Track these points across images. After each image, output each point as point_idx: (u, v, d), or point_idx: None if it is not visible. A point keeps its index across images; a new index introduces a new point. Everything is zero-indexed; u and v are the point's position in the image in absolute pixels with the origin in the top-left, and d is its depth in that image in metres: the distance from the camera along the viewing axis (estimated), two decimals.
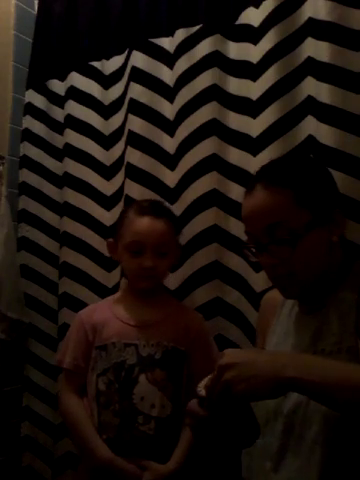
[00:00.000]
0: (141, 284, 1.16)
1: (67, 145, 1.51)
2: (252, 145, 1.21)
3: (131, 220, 1.14)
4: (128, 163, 1.36)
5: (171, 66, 1.35)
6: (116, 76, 1.47)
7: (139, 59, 1.37)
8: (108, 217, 1.44)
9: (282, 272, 0.81)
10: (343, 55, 1.09)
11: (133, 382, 1.08)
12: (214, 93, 1.27)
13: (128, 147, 1.37)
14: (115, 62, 1.48)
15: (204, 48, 1.28)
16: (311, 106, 1.12)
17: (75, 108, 1.50)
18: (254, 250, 0.85)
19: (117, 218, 1.25)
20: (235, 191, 1.23)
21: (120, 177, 1.43)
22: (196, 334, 1.15)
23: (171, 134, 1.33)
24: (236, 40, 1.27)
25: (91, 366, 1.13)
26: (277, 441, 0.79)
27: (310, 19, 1.13)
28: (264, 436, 0.77)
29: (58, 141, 1.57)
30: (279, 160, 0.90)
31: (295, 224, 0.78)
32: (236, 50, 1.27)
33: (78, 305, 1.38)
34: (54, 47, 1.58)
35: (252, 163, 1.19)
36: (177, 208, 1.29)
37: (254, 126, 1.21)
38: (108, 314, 1.17)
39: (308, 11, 1.14)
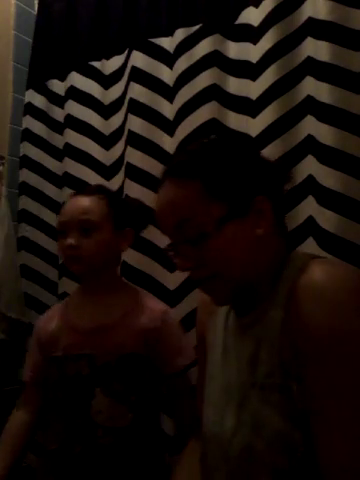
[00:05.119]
0: (71, 267, 1.06)
1: (67, 145, 1.51)
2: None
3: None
4: (128, 163, 1.36)
5: (171, 66, 1.35)
6: (116, 76, 1.47)
7: (139, 59, 1.38)
8: None
9: (203, 274, 0.70)
10: (343, 55, 1.08)
11: (89, 395, 1.00)
12: (214, 93, 1.26)
13: (128, 147, 1.37)
14: (115, 62, 1.48)
15: (204, 48, 1.28)
16: (311, 106, 1.12)
17: (75, 108, 1.50)
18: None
19: None
20: None
21: (120, 177, 1.43)
22: (156, 335, 1.04)
23: (171, 134, 1.33)
24: (236, 40, 1.27)
25: (47, 377, 1.07)
26: None
27: (310, 19, 1.13)
28: (215, 471, 0.72)
29: (58, 141, 1.57)
30: (189, 149, 0.77)
31: (204, 220, 0.68)
32: (236, 50, 1.27)
33: None
34: (54, 47, 1.58)
35: None
36: None
37: (254, 126, 1.21)
38: (62, 322, 1.08)
39: (308, 11, 1.14)
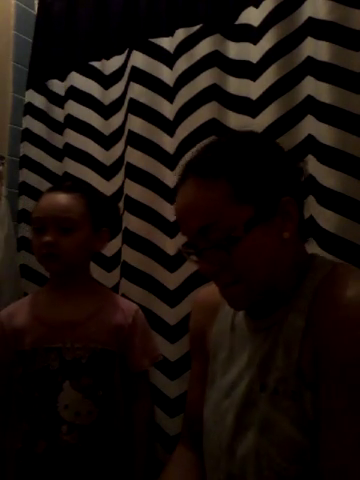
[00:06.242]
0: (48, 266, 1.06)
1: (67, 145, 1.51)
2: None
3: (39, 198, 1.08)
4: (128, 163, 1.36)
5: (171, 66, 1.35)
6: (116, 76, 1.47)
7: (139, 59, 1.37)
8: None
9: (226, 279, 0.68)
10: (343, 55, 1.08)
11: (57, 389, 0.98)
12: (214, 93, 1.26)
13: (128, 147, 1.37)
14: (115, 62, 1.48)
15: (204, 48, 1.28)
16: (311, 106, 1.12)
17: (75, 108, 1.50)
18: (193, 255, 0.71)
19: None
20: None
21: (120, 177, 1.43)
22: (130, 330, 1.06)
23: (171, 134, 1.33)
24: (236, 40, 1.27)
25: (13, 371, 1.04)
26: None
27: (310, 19, 1.13)
28: (215, 471, 0.72)
29: (58, 141, 1.57)
30: (212, 145, 0.73)
31: (232, 223, 0.65)
32: (236, 50, 1.27)
33: None
34: (54, 47, 1.58)
35: None
36: None
37: (254, 126, 1.21)
38: (29, 316, 1.06)
39: (308, 11, 1.14)
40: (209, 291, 0.88)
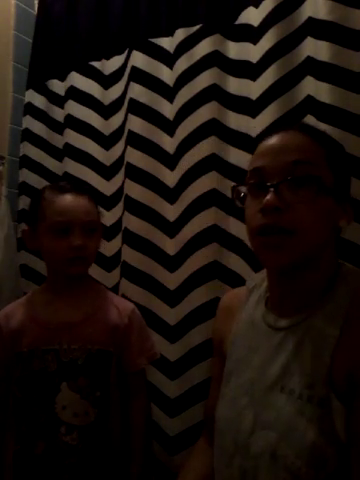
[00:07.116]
0: (72, 269, 1.04)
1: (67, 145, 1.51)
2: (252, 145, 1.20)
3: (51, 200, 1.04)
4: (128, 163, 1.36)
5: (171, 66, 1.35)
6: (116, 76, 1.47)
7: (139, 59, 1.37)
8: (108, 217, 1.44)
9: (284, 224, 0.67)
10: (343, 55, 1.08)
11: (55, 391, 0.99)
12: (214, 93, 1.26)
13: (128, 147, 1.37)
14: (115, 62, 1.48)
15: (204, 48, 1.28)
16: (310, 106, 1.12)
17: (75, 108, 1.51)
18: (253, 190, 0.73)
19: (30, 205, 1.13)
20: None
21: (120, 177, 1.43)
22: (125, 330, 1.06)
23: (171, 134, 1.33)
24: (236, 40, 1.27)
25: (11, 372, 1.04)
26: None
27: (310, 18, 1.13)
28: (227, 468, 0.73)
29: (58, 141, 1.57)
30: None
31: (323, 174, 0.70)
32: (236, 50, 1.27)
33: None
34: (54, 47, 1.58)
35: None
36: (177, 208, 1.29)
37: (254, 126, 1.21)
38: (26, 317, 1.06)
39: (308, 10, 1.13)
40: (231, 295, 0.92)
